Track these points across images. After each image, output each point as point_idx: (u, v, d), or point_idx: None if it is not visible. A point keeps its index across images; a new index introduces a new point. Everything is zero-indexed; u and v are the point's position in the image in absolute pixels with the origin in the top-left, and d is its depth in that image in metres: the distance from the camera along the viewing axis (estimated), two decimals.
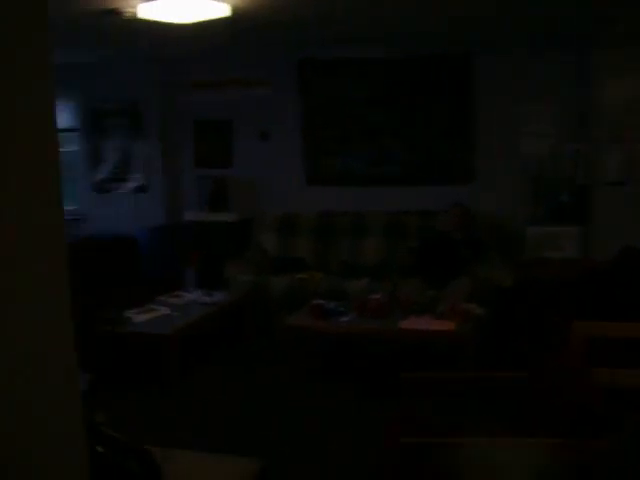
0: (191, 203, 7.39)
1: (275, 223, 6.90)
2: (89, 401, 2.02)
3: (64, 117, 7.72)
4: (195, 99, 7.37)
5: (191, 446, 3.96)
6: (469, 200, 6.18)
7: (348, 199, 6.85)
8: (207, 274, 6.44)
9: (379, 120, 6.77)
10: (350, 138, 6.91)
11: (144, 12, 4.55)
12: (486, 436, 2.66)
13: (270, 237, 6.87)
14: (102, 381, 5.02)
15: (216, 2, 4.38)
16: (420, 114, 6.65)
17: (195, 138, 7.47)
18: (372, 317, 5.12)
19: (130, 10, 4.65)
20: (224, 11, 4.49)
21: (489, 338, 4.99)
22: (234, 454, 3.85)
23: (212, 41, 6.21)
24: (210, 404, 4.80)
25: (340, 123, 6.91)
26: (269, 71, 7.05)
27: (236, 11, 4.61)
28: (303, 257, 6.62)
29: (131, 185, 7.64)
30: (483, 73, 6.43)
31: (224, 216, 7.06)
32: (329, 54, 6.76)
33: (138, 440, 3.53)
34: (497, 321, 5.21)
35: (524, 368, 3.27)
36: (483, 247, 5.98)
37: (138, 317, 5.49)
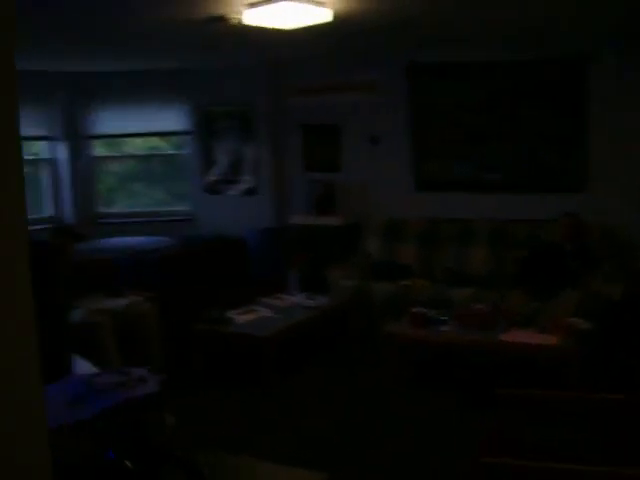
0: (299, 206, 7.44)
1: (381, 228, 6.85)
2: (158, 403, 2.05)
3: (178, 120, 7.97)
4: (304, 103, 7.42)
5: (278, 448, 4.04)
6: (579, 209, 5.92)
7: (456, 206, 6.71)
8: (311, 277, 6.48)
9: (486, 125, 6.59)
10: (457, 143, 6.76)
11: (249, 18, 4.60)
12: (579, 462, 2.52)
13: (375, 242, 6.83)
14: (175, 382, 5.15)
15: (318, 8, 4.38)
16: (530, 120, 6.42)
17: (304, 142, 7.52)
18: (473, 327, 4.99)
19: (236, 17, 4.72)
20: (326, 16, 4.49)
21: (596, 354, 4.75)
22: (324, 457, 3.89)
23: (319, 46, 6.26)
24: (305, 407, 4.81)
25: (448, 128, 6.78)
26: (377, 75, 7.00)
27: (338, 16, 4.60)
28: (408, 263, 6.53)
29: (241, 187, 7.77)
30: (598, 78, 6.13)
31: (331, 220, 7.06)
32: (437, 57, 6.64)
33: (221, 440, 3.60)
34: (605, 337, 4.96)
35: (633, 387, 3.10)
36: (593, 259, 5.71)
37: (240, 318, 5.58)
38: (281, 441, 4.24)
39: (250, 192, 7.72)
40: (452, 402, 4.73)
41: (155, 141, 8.45)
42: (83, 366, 2.87)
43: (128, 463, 1.50)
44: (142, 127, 8.06)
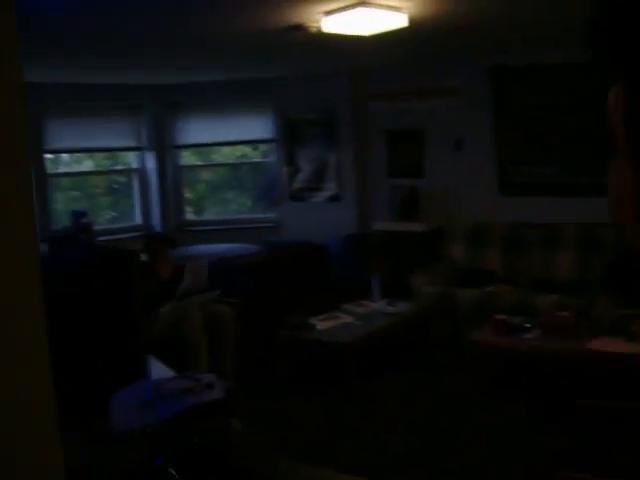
0: (382, 212, 7.42)
1: (465, 233, 6.76)
2: (224, 409, 2.08)
3: (264, 128, 8.09)
4: (387, 109, 7.40)
5: (358, 454, 4.03)
6: None
7: (541, 210, 6.54)
8: (393, 284, 6.45)
9: (574, 127, 6.40)
10: (545, 146, 6.60)
11: (327, 26, 4.63)
12: None
13: (459, 248, 6.74)
14: (257, 387, 5.22)
15: (394, 13, 4.37)
16: None
17: (387, 148, 7.50)
18: (558, 335, 4.86)
19: (314, 25, 4.75)
20: (402, 22, 4.48)
21: None
22: (402, 464, 3.87)
23: (400, 51, 6.25)
24: (386, 413, 4.80)
25: (534, 131, 6.63)
26: (460, 79, 6.92)
27: (414, 21, 4.58)
28: (492, 269, 6.41)
29: (325, 194, 7.81)
30: None
31: (414, 226, 7.01)
32: (521, 59, 6.51)
33: (301, 446, 3.64)
34: None
35: None
36: None
37: (322, 324, 5.62)
38: (361, 447, 4.24)
39: (334, 199, 7.76)
40: (533, 411, 4.61)
41: (244, 149, 8.60)
42: (160, 370, 2.94)
43: (173, 471, 1.53)
44: (229, 136, 8.22)
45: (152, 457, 1.54)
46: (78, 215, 5.65)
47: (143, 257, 5.49)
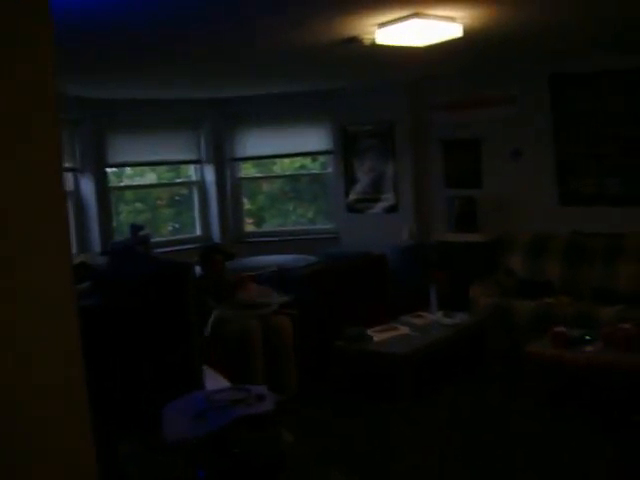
0: (440, 223, 7.39)
1: (524, 244, 6.67)
2: (274, 421, 2.11)
3: (322, 140, 8.15)
4: (444, 119, 7.38)
5: (408, 468, 4.01)
6: None
7: (602, 220, 6.42)
8: (451, 295, 6.41)
9: (637, 136, 6.27)
10: (606, 155, 6.48)
11: (381, 38, 4.65)
12: None
13: (518, 259, 6.66)
14: (313, 397, 5.24)
15: (448, 23, 4.36)
16: None
17: (445, 158, 7.47)
18: (620, 348, 4.76)
19: (369, 37, 4.78)
20: (457, 32, 4.47)
21: None
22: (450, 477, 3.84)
23: (457, 61, 6.23)
24: (441, 427, 4.76)
25: (595, 140, 6.51)
26: (518, 87, 6.85)
27: (469, 31, 4.56)
28: (551, 280, 6.31)
29: (383, 205, 7.81)
30: None
31: (472, 236, 6.96)
32: (581, 67, 6.41)
33: (352, 458, 3.63)
34: None
35: None
36: None
37: (379, 335, 5.61)
38: (416, 460, 4.22)
39: (391, 209, 7.76)
40: (590, 426, 4.50)
41: (303, 161, 8.67)
42: (215, 380, 2.99)
43: None
44: (287, 148, 8.29)
45: (195, 468, 1.57)
46: (136, 228, 5.77)
47: (197, 269, 5.60)
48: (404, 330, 5.72)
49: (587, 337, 4.97)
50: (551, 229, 6.61)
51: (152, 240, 6.84)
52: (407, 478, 3.98)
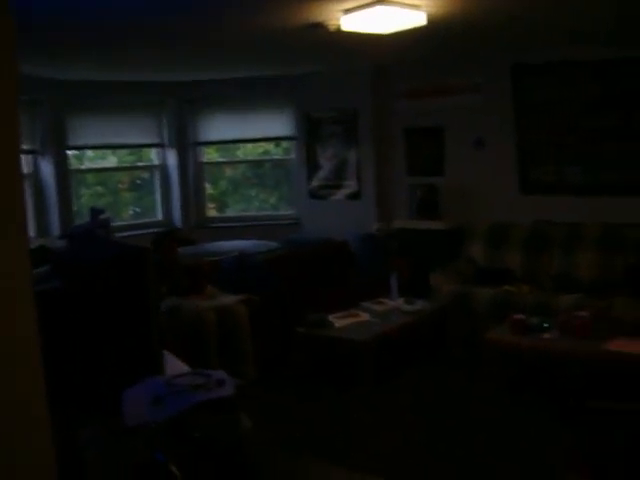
0: (401, 210, 7.42)
1: (485, 232, 6.73)
2: (233, 406, 2.10)
3: (285, 126, 8.13)
4: (408, 107, 7.40)
5: (364, 453, 4.04)
6: None
7: (563, 209, 6.50)
8: (412, 282, 6.45)
9: (597, 125, 6.36)
10: (566, 145, 6.56)
11: (347, 24, 4.64)
12: None
13: (479, 247, 6.72)
14: (273, 383, 5.25)
15: (413, 11, 4.37)
16: None
17: (407, 146, 7.50)
18: (577, 335, 4.84)
19: (334, 23, 4.77)
20: (421, 20, 4.48)
21: None
22: (409, 463, 3.88)
23: (421, 49, 6.25)
24: (399, 412, 4.80)
25: (556, 129, 6.58)
26: (482, 77, 6.90)
27: (433, 19, 4.58)
28: (512, 268, 6.39)
29: (345, 192, 7.83)
30: None
31: (434, 224, 7.01)
32: (544, 57, 6.47)
33: (310, 443, 3.65)
34: None
35: None
36: None
37: (339, 322, 5.63)
38: (374, 445, 4.25)
39: (353, 196, 7.77)
40: (548, 412, 4.58)
41: (266, 146, 8.64)
42: (175, 365, 2.98)
43: (174, 469, 1.55)
44: (250, 133, 8.26)
45: (154, 453, 1.57)
46: (96, 212, 5.71)
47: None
48: (365, 316, 5.75)
49: (545, 325, 5.03)
50: (512, 218, 6.67)
51: (113, 224, 6.79)
52: (368, 463, 4.00)
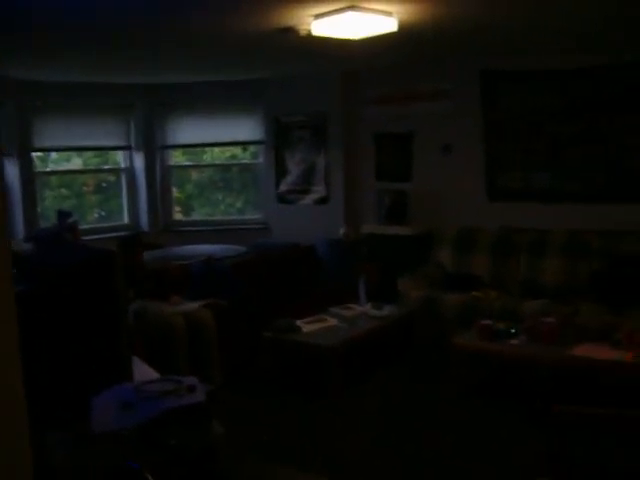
0: (370, 216, 7.43)
1: (453, 238, 6.76)
2: (204, 413, 2.08)
3: (254, 130, 8.10)
4: (377, 112, 7.41)
5: (330, 459, 4.03)
6: None
7: (530, 215, 6.56)
8: (380, 287, 6.46)
9: (564, 132, 6.43)
10: (533, 152, 6.62)
11: (317, 29, 4.63)
12: None
13: (446, 252, 6.75)
14: (240, 389, 5.21)
15: (384, 17, 4.38)
16: (608, 127, 6.23)
17: (376, 151, 7.51)
18: (543, 341, 4.88)
19: (304, 27, 4.76)
20: (392, 26, 4.49)
21: None
22: (378, 468, 3.87)
23: (392, 55, 6.27)
24: (366, 418, 4.80)
25: (523, 136, 6.64)
26: (450, 83, 6.93)
27: (404, 26, 4.59)
28: (479, 274, 6.43)
29: (313, 196, 7.82)
30: None
31: (402, 229, 7.03)
32: (512, 65, 6.53)
33: (276, 449, 3.64)
34: None
35: None
36: None
37: (307, 327, 5.60)
38: (343, 451, 4.24)
39: (322, 201, 7.76)
40: (515, 416, 4.62)
41: (234, 150, 8.59)
42: (145, 370, 2.94)
43: (149, 477, 1.53)
44: (218, 137, 8.21)
45: (128, 460, 1.54)
46: (64, 215, 5.63)
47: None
48: (333, 321, 5.74)
49: (512, 330, 5.07)
50: (480, 223, 6.71)
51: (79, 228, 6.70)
52: (336, 466, 3.99)
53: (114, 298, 2.60)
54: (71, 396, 2.25)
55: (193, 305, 5.39)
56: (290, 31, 4.88)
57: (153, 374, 3.04)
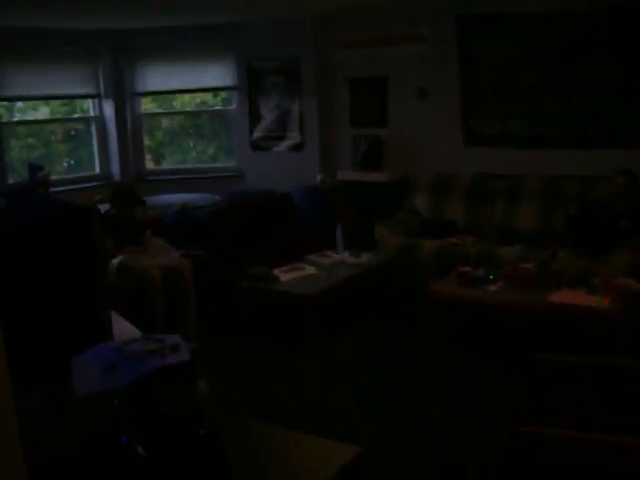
0: (346, 162, 7.35)
1: (429, 184, 6.72)
2: (190, 372, 2.03)
3: (225, 76, 7.93)
4: (351, 57, 7.28)
5: (311, 411, 4.03)
6: (635, 165, 5.70)
7: (506, 161, 6.53)
8: (357, 234, 6.42)
9: (540, 79, 6.37)
10: (510, 98, 6.55)
11: None
12: (622, 433, 2.44)
13: (423, 198, 6.72)
14: (218, 340, 5.18)
15: None
16: (583, 73, 6.18)
17: (350, 97, 7.40)
18: (521, 287, 4.89)
19: None
20: None
21: None
22: (358, 421, 3.88)
23: None
24: (345, 367, 4.80)
25: (500, 82, 6.57)
26: (426, 27, 6.81)
27: None
28: (455, 220, 6.41)
29: (288, 143, 7.71)
30: None
31: (378, 176, 6.97)
32: (489, 8, 6.42)
33: (258, 402, 3.63)
34: None
35: None
36: None
37: (285, 275, 5.57)
38: (318, 404, 4.24)
39: (296, 148, 7.67)
40: (493, 363, 4.65)
41: (204, 96, 8.42)
42: (125, 327, 2.88)
43: (140, 449, 1.48)
44: (189, 83, 8.03)
45: (117, 431, 1.49)
46: (35, 168, 5.47)
47: (107, 207, 5.40)
48: (310, 270, 5.71)
49: (490, 277, 5.08)
50: (456, 169, 6.67)
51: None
52: (316, 418, 3.99)
53: (92, 254, 2.53)
54: (49, 358, 2.19)
55: (173, 256, 5.31)
56: None
57: (134, 331, 2.99)
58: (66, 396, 1.90)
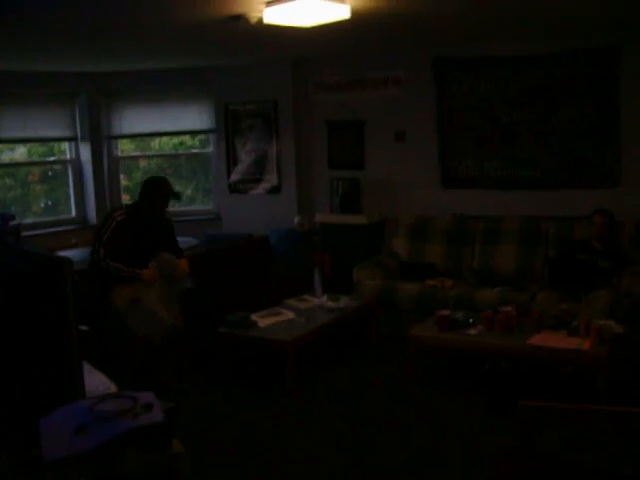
0: (323, 205, 7.34)
1: (407, 227, 6.72)
2: (164, 432, 1.96)
3: (203, 118, 7.93)
4: (329, 100, 7.31)
5: (289, 454, 3.94)
6: (612, 205, 5.74)
7: (484, 203, 6.57)
8: (335, 277, 6.38)
9: (517, 120, 6.44)
10: (487, 139, 6.61)
11: (269, 17, 4.50)
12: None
13: (401, 241, 6.71)
14: (196, 385, 5.09)
15: (336, 4, 4.27)
16: (560, 114, 6.26)
17: (328, 139, 7.41)
18: (501, 331, 4.86)
19: (255, 15, 4.63)
20: (344, 13, 4.38)
21: (629, 360, 4.59)
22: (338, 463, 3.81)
23: (344, 42, 6.17)
24: (324, 412, 4.72)
25: (477, 123, 6.63)
26: (403, 70, 6.87)
27: (357, 12, 4.50)
28: (434, 262, 6.39)
29: (265, 186, 7.69)
30: (631, 69, 5.96)
31: (355, 219, 6.95)
32: (465, 52, 6.49)
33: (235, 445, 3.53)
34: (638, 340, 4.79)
35: None
36: (626, 258, 5.55)
37: (263, 321, 5.48)
38: (297, 450, 4.15)
39: (274, 190, 7.64)
40: (474, 408, 4.59)
41: (182, 138, 8.40)
42: (98, 381, 2.81)
43: None
44: (167, 126, 8.02)
45: None
46: (7, 217, 5.40)
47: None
48: (289, 315, 5.63)
49: (470, 320, 5.05)
50: (434, 211, 6.69)
51: (23, 221, 6.46)
52: (295, 466, 3.91)
53: (63, 308, 2.46)
54: (17, 418, 2.11)
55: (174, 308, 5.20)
56: (241, 19, 4.74)
57: (106, 384, 2.91)
58: (34, 460, 1.82)
